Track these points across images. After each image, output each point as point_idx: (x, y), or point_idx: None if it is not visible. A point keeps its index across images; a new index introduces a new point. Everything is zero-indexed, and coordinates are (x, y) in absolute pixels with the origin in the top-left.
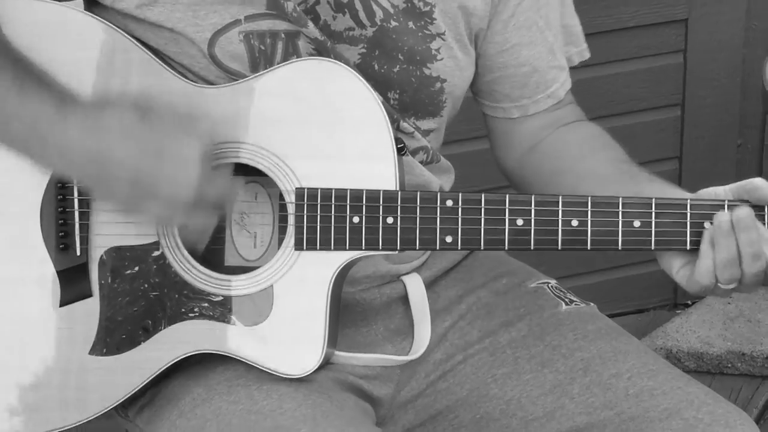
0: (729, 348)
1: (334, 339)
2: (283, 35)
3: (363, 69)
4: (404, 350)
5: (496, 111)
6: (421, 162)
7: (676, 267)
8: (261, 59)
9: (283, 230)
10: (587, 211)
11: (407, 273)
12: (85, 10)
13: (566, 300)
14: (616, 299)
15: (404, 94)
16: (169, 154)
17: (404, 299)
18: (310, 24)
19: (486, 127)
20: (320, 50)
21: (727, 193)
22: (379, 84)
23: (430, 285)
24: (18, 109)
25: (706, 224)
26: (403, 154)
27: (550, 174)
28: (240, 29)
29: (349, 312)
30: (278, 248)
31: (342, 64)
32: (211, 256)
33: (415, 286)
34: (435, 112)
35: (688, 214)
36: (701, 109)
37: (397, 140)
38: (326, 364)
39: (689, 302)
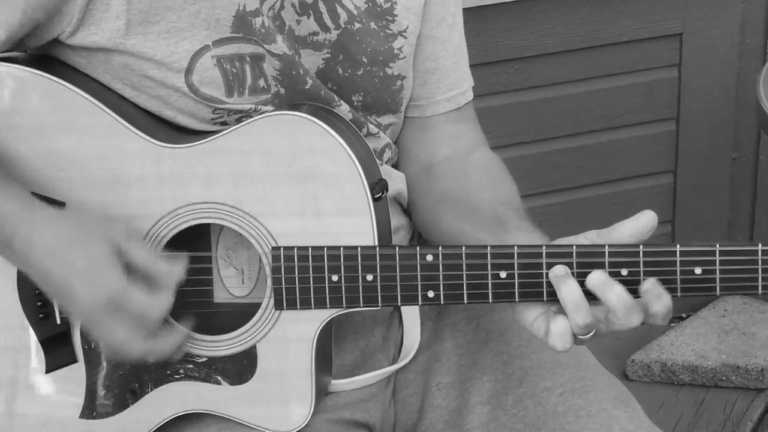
0: (724, 361)
1: (328, 371)
2: (248, 59)
3: (326, 74)
4: (394, 358)
5: None
6: (389, 160)
7: (530, 320)
8: (235, 82)
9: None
10: (572, 261)
11: None
12: (42, 52)
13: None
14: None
15: (368, 95)
16: (127, 313)
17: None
18: (278, 38)
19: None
20: (288, 66)
21: (592, 238)
22: (343, 88)
23: None
24: None
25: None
26: (380, 199)
27: (436, 201)
28: (211, 54)
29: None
30: (265, 284)
31: (313, 118)
32: (199, 296)
33: None
34: (396, 109)
35: (544, 264)
36: (696, 123)
37: (378, 183)
38: (325, 395)
39: (684, 315)
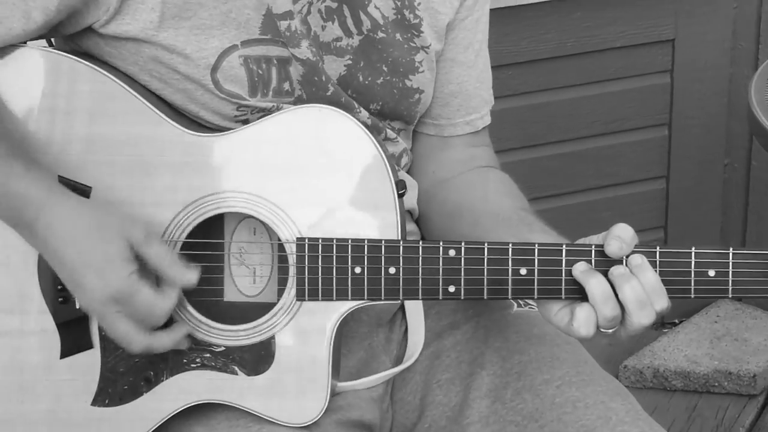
0: (716, 367)
1: (336, 374)
2: (275, 61)
3: (348, 81)
4: (399, 359)
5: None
6: (405, 166)
7: (554, 311)
8: (259, 83)
9: (283, 269)
10: (591, 260)
11: None
12: (72, 41)
13: (520, 302)
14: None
15: (386, 105)
16: (132, 310)
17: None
18: (304, 42)
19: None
20: (311, 71)
21: (600, 239)
22: (363, 95)
23: None
24: (7, 189)
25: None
26: (402, 195)
27: (451, 211)
28: (239, 53)
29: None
30: (278, 286)
31: (342, 111)
32: (213, 306)
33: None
34: (410, 121)
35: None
36: (688, 129)
37: (398, 184)
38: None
39: (676, 321)
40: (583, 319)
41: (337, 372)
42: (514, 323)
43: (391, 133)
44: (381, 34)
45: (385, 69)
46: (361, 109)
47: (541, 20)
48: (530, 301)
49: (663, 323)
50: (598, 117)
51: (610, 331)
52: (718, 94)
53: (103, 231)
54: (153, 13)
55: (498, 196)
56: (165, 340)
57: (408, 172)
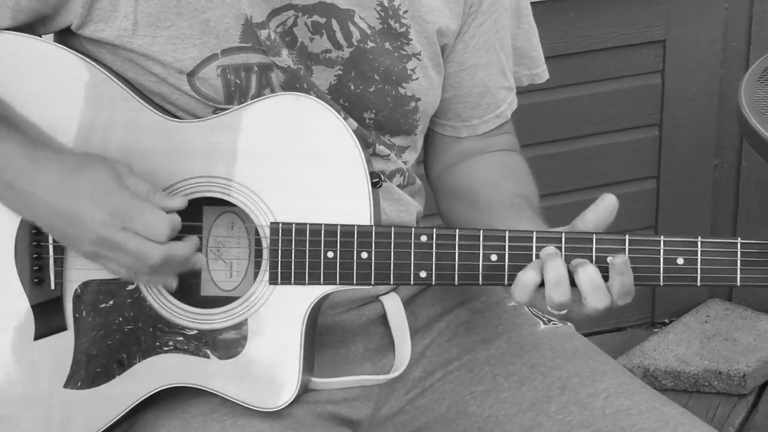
0: (706, 367)
1: (310, 368)
2: (256, 68)
3: (339, 90)
4: (383, 369)
5: (444, 129)
6: (399, 185)
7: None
8: (236, 93)
9: (259, 263)
10: (561, 246)
11: (385, 293)
12: (56, 41)
13: (544, 319)
14: (594, 318)
15: (380, 113)
16: (138, 225)
17: (383, 319)
18: (284, 51)
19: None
20: (292, 79)
21: (587, 224)
22: (355, 104)
23: (408, 304)
24: None
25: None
26: (379, 187)
27: (455, 193)
28: (218, 63)
29: (329, 334)
30: (254, 279)
31: (319, 100)
32: (187, 289)
33: (393, 306)
34: (409, 131)
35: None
36: (679, 129)
37: (373, 174)
38: (304, 392)
39: (666, 321)
40: (553, 282)
41: (310, 364)
42: (545, 341)
43: (382, 149)
44: (371, 44)
45: (377, 78)
46: (349, 117)
47: (534, 20)
48: (554, 318)
49: (653, 323)
50: (590, 117)
51: (563, 312)
52: (708, 94)
53: (89, 164)
54: (126, 21)
55: (500, 181)
56: (182, 247)
57: (407, 186)
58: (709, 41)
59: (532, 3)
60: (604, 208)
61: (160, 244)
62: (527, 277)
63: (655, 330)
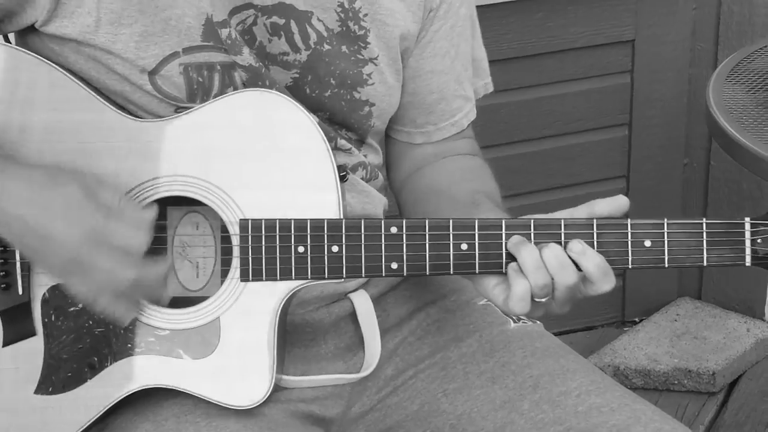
0: (676, 365)
1: (281, 364)
2: (218, 67)
3: (294, 92)
4: (355, 366)
5: (399, 134)
6: (362, 178)
7: (490, 285)
8: (199, 91)
9: (226, 261)
10: (531, 233)
11: (354, 290)
12: (16, 39)
13: (513, 318)
14: (564, 317)
15: (334, 117)
16: (114, 243)
17: (353, 316)
18: (245, 50)
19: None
20: (254, 77)
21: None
22: (310, 107)
23: (378, 301)
24: None
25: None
26: (345, 181)
27: (418, 198)
28: (179, 61)
29: (298, 333)
30: (221, 278)
31: (283, 95)
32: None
33: (362, 303)
34: (363, 136)
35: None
36: (648, 129)
37: (340, 168)
38: (276, 391)
39: (637, 320)
40: (518, 296)
41: (281, 360)
42: (516, 339)
43: (343, 143)
44: (327, 46)
45: (333, 82)
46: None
47: (502, 21)
48: (523, 317)
49: (624, 321)
50: (558, 117)
51: (544, 299)
52: (677, 94)
53: (57, 180)
54: (89, 17)
55: (462, 182)
56: (154, 269)
57: (371, 181)
58: (677, 41)
59: (500, 3)
60: (617, 206)
61: (135, 262)
62: (519, 287)
63: (626, 329)
